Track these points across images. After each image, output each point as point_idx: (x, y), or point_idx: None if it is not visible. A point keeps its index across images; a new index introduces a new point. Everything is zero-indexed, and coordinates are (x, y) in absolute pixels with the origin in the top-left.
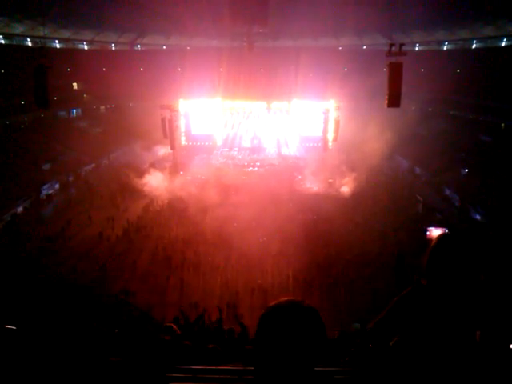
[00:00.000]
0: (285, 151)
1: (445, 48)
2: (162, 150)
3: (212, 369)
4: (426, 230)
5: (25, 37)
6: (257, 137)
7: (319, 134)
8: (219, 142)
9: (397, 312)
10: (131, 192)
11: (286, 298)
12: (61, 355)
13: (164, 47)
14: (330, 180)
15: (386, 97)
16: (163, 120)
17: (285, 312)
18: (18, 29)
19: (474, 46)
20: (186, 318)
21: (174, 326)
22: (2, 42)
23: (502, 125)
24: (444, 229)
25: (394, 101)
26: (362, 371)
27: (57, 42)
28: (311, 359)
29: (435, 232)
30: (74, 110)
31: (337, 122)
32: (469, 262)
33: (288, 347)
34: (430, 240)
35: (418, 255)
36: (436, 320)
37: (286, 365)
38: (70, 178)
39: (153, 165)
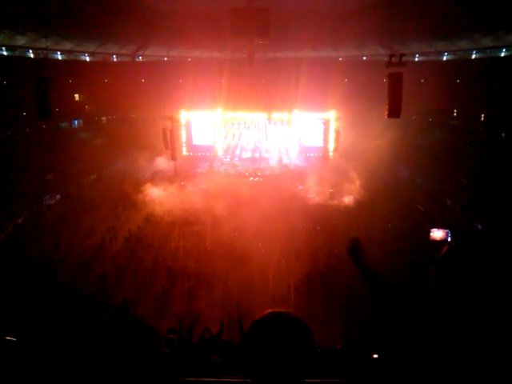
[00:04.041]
0: (286, 161)
1: (444, 58)
2: (163, 161)
3: (213, 381)
4: (430, 232)
5: (27, 48)
6: (258, 147)
7: (320, 144)
8: (220, 153)
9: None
10: (132, 202)
11: (270, 310)
12: (63, 366)
13: (165, 59)
14: (331, 190)
15: (387, 107)
16: (164, 131)
17: (269, 325)
18: (21, 41)
19: (473, 56)
20: (186, 330)
21: (174, 338)
22: (5, 53)
23: (503, 134)
24: (446, 230)
25: (394, 111)
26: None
27: (59, 53)
28: (300, 371)
29: (437, 233)
30: (76, 121)
31: (337, 133)
32: (476, 273)
33: (274, 359)
34: (433, 242)
35: (419, 263)
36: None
37: (274, 377)
38: (72, 189)
39: (154, 175)
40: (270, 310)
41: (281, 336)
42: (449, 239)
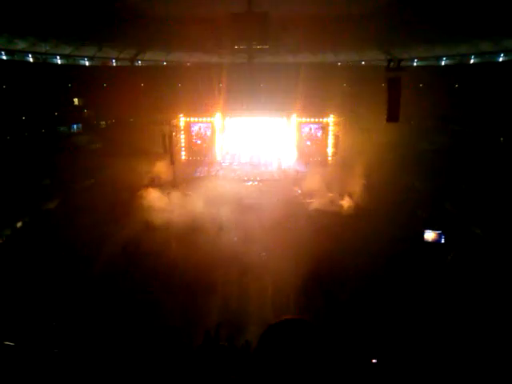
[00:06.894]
0: (284, 166)
1: (443, 63)
2: (162, 165)
3: None
4: (423, 233)
5: (26, 53)
6: (256, 152)
7: (319, 148)
8: (219, 157)
9: None
10: (130, 208)
11: (287, 316)
12: None
13: (164, 63)
14: (330, 194)
15: (386, 112)
16: (163, 135)
17: (287, 330)
18: (20, 45)
19: (472, 61)
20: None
21: None
22: (4, 58)
23: (501, 139)
24: (439, 232)
25: (393, 116)
26: None
27: (58, 57)
28: (316, 379)
29: (430, 234)
30: (75, 126)
31: (336, 137)
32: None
33: (289, 367)
34: (426, 243)
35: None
36: None
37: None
38: (70, 193)
39: (152, 180)
40: (284, 316)
41: (297, 342)
42: (442, 241)
